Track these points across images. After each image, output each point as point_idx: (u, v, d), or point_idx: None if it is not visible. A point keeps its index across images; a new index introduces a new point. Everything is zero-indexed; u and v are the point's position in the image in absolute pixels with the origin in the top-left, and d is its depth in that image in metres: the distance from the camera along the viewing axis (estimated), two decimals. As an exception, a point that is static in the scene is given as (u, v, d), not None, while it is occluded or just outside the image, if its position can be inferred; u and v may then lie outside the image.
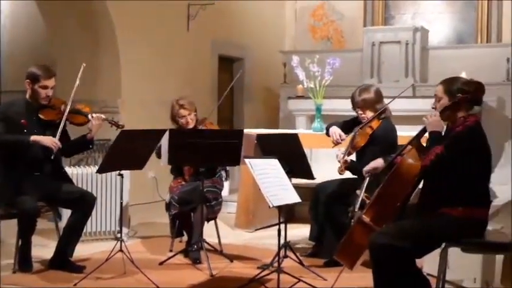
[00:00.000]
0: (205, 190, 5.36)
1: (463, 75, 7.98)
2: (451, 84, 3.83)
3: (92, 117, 5.05)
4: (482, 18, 10.38)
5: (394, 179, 3.78)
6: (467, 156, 3.66)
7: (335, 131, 5.28)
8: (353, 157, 5.23)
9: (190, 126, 5.66)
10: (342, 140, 5.24)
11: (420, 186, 3.93)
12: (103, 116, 5.10)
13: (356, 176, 5.28)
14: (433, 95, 3.97)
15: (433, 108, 3.90)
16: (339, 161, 5.05)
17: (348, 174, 5.38)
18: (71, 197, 4.99)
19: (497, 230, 4.30)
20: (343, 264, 4.03)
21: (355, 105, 5.26)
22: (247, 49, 10.69)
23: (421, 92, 9.23)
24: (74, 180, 5.74)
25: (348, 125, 5.37)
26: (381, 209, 3.79)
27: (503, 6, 10.29)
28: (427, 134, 3.90)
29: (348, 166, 5.06)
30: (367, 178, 4.37)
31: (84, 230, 5.34)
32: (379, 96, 5.25)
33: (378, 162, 4.55)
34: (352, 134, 5.17)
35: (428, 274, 4.01)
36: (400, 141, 5.11)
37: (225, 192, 6.11)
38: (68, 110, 4.96)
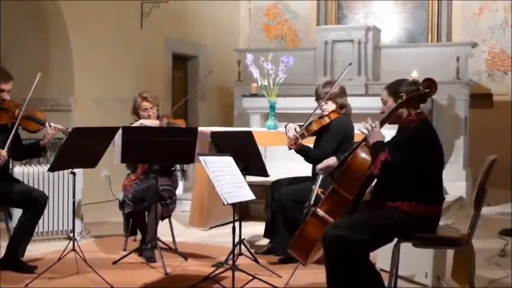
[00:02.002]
0: (160, 188, 5.34)
1: (415, 73, 8.15)
2: (394, 87, 3.90)
3: (50, 126, 4.99)
4: (433, 18, 10.61)
5: (348, 173, 3.85)
6: (417, 153, 3.71)
7: (290, 126, 5.31)
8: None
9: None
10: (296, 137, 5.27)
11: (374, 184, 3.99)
12: (60, 126, 5.02)
13: (310, 174, 5.33)
14: (386, 93, 4.01)
15: (381, 113, 3.95)
16: (289, 136, 5.17)
17: (301, 172, 5.42)
18: (21, 196, 4.92)
19: (448, 225, 4.36)
20: (297, 258, 4.05)
21: (318, 97, 5.38)
22: (201, 47, 10.66)
23: (374, 90, 9.32)
24: (25, 179, 5.66)
25: None
26: (335, 202, 3.85)
27: (452, 7, 10.56)
28: None
29: (298, 149, 5.18)
30: (321, 175, 4.42)
31: (36, 230, 5.27)
32: (342, 91, 5.39)
33: (331, 160, 4.67)
34: (310, 120, 5.28)
35: (381, 269, 4.06)
36: (355, 139, 5.19)
37: (179, 191, 6.08)
38: (21, 115, 4.87)
